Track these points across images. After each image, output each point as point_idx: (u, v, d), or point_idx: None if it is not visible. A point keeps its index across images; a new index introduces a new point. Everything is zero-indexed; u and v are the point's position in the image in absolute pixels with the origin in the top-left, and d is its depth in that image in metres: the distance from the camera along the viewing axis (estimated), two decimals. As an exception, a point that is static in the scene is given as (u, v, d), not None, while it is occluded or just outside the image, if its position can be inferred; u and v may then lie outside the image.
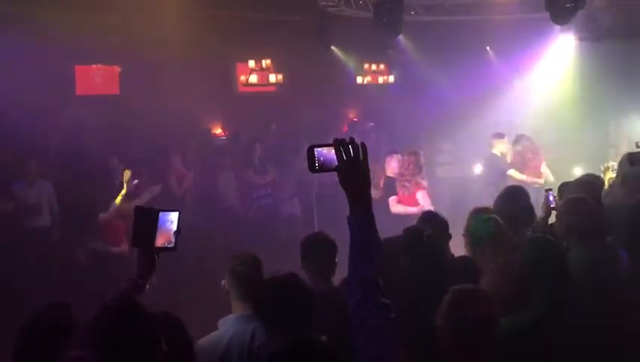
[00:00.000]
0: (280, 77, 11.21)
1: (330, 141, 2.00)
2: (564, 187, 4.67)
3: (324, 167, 1.99)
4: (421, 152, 7.19)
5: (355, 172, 1.96)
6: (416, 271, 3.03)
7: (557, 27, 9.05)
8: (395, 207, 6.89)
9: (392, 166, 7.19)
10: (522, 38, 10.40)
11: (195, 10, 9.17)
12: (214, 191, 8.30)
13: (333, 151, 1.96)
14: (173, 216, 2.30)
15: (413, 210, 6.61)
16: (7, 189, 6.40)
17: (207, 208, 7.81)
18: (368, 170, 1.98)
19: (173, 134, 9.04)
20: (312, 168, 2.01)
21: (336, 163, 1.96)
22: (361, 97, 12.73)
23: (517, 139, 8.09)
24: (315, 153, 1.99)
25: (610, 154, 8.11)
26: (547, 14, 7.55)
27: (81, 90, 9.34)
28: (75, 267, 6.22)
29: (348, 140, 1.97)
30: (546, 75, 11.10)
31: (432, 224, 3.76)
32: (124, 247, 6.17)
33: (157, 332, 2.04)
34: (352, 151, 1.96)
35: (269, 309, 2.71)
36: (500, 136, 8.27)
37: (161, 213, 2.30)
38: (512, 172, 7.82)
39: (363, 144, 1.98)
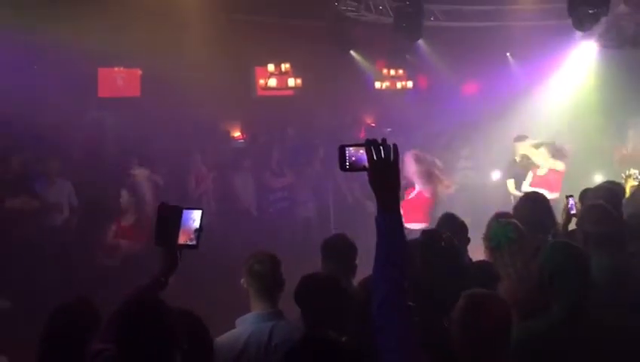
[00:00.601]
0: (299, 81, 11.25)
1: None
2: (585, 193, 4.65)
3: (355, 167, 1.99)
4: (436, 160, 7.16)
5: (384, 173, 1.95)
6: (432, 274, 3.02)
7: (579, 34, 8.98)
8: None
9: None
10: (543, 44, 10.34)
11: (216, 14, 9.25)
12: (231, 193, 8.35)
13: (364, 150, 1.96)
14: (196, 214, 2.31)
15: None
16: (29, 187, 6.49)
17: (224, 209, 7.86)
18: (398, 171, 1.97)
19: (192, 136, 9.12)
20: (342, 167, 2.01)
21: (367, 163, 1.96)
22: (379, 102, 12.72)
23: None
24: (347, 152, 1.99)
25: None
26: (569, 21, 7.49)
27: (103, 92, 9.45)
28: (95, 264, 6.29)
29: (380, 141, 1.96)
30: (566, 81, 11.01)
31: (451, 227, 3.75)
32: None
33: (176, 328, 2.06)
34: (383, 151, 1.95)
35: (313, 309, 2.71)
36: (521, 138, 8.18)
37: (184, 211, 2.30)
38: (509, 183, 7.82)
39: (395, 145, 1.97)
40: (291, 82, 11.23)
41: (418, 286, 2.68)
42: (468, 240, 3.85)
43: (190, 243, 2.29)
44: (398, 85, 13.10)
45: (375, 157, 1.95)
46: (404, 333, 1.93)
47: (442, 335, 2.56)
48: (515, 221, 3.56)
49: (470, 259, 3.68)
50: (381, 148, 1.95)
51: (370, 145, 1.96)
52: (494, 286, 3.06)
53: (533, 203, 4.22)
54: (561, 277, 2.74)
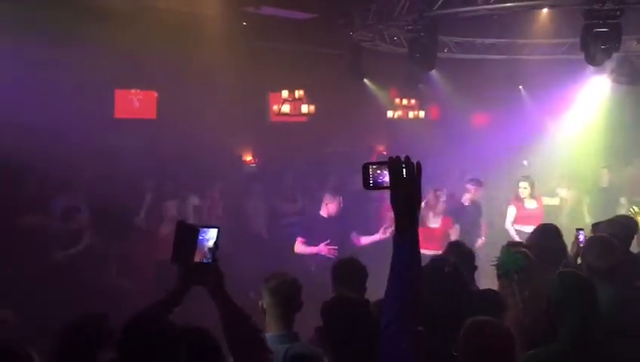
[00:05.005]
0: (312, 108, 11.35)
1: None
2: (596, 227, 4.65)
3: (378, 185, 1.99)
4: (444, 189, 7.33)
5: (406, 192, 1.93)
6: (436, 300, 3.03)
7: (591, 69, 9.05)
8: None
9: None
10: (556, 78, 10.41)
11: (233, 40, 9.43)
12: (243, 217, 8.41)
13: (387, 169, 1.96)
14: (213, 233, 2.33)
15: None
16: (46, 207, 6.57)
17: (235, 232, 7.90)
18: (420, 191, 1.94)
19: (206, 160, 9.21)
20: (366, 185, 2.01)
21: (390, 181, 1.95)
22: (390, 131, 12.82)
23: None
24: (370, 170, 2.00)
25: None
26: (581, 55, 7.56)
27: (119, 113, 9.62)
28: (107, 283, 6.33)
29: (403, 159, 1.95)
30: (578, 115, 11.05)
31: (458, 254, 3.77)
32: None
33: (180, 344, 2.09)
34: (405, 171, 1.94)
35: (339, 332, 2.71)
36: (525, 178, 8.36)
37: (201, 229, 2.33)
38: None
39: (419, 163, 1.94)
40: (305, 109, 11.33)
41: (423, 312, 2.71)
42: (475, 268, 3.86)
43: (206, 261, 2.32)
44: (410, 115, 13.19)
45: (397, 177, 1.94)
46: (410, 356, 1.91)
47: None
48: (526, 250, 3.58)
49: (477, 287, 3.69)
50: (403, 167, 1.94)
51: (393, 163, 1.95)
52: (499, 314, 3.07)
53: (545, 234, 4.24)
54: (568, 307, 2.75)
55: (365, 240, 6.83)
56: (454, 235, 6.96)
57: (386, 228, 6.67)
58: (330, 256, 6.37)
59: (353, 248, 6.65)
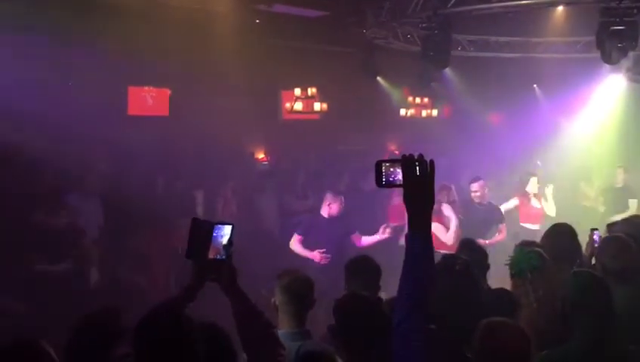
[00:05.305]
0: (324, 106, 11.36)
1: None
2: (612, 226, 4.61)
3: (391, 183, 2.00)
4: (452, 187, 7.20)
5: (419, 190, 1.93)
6: (445, 298, 3.00)
7: (607, 67, 8.97)
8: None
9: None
10: (571, 76, 10.32)
11: (246, 38, 9.44)
12: (255, 214, 8.42)
13: (400, 167, 1.95)
14: (227, 230, 2.33)
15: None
16: (61, 200, 6.61)
17: (247, 229, 7.91)
18: (433, 189, 1.94)
19: (218, 157, 9.24)
20: (379, 183, 2.02)
21: (403, 179, 1.95)
22: (403, 129, 12.78)
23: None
24: (383, 168, 2.01)
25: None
26: (596, 54, 7.50)
27: (132, 110, 9.66)
28: (119, 277, 6.37)
29: (416, 157, 1.95)
30: (594, 115, 10.95)
31: (470, 252, 3.74)
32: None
33: (196, 340, 2.09)
34: (418, 169, 1.93)
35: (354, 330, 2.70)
36: (535, 174, 8.34)
37: (215, 226, 2.34)
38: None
39: (432, 161, 1.94)
40: (317, 106, 11.35)
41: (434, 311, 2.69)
42: (488, 267, 3.83)
43: (219, 258, 2.32)
44: (423, 113, 13.17)
45: (410, 175, 1.93)
46: (422, 354, 1.91)
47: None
48: (540, 250, 3.55)
49: (489, 286, 3.66)
50: (417, 165, 1.94)
51: (406, 161, 1.94)
52: (512, 314, 3.04)
53: (560, 234, 4.20)
54: (583, 307, 2.73)
55: (366, 240, 6.65)
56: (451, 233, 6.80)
57: (385, 228, 6.53)
58: (324, 263, 6.24)
59: (354, 249, 6.43)
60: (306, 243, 6.55)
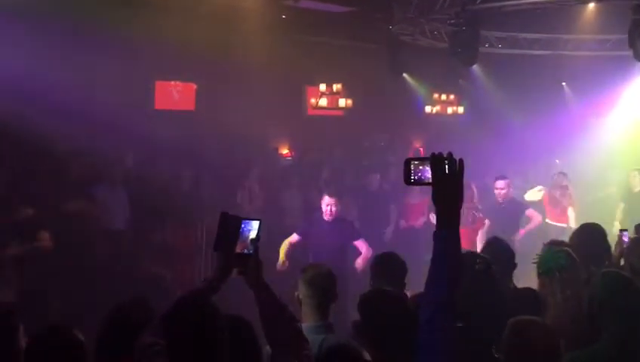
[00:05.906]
0: (349, 102, 11.34)
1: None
2: (639, 228, 4.55)
3: (420, 181, 2.01)
4: (473, 185, 7.10)
5: (448, 189, 1.94)
6: (467, 297, 2.96)
7: (639, 65, 8.79)
8: None
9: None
10: (601, 75, 10.13)
11: (272, 33, 9.47)
12: (279, 209, 8.45)
13: (429, 165, 1.96)
14: (254, 225, 2.37)
15: None
16: (88, 191, 6.72)
17: (271, 224, 7.93)
18: (462, 188, 1.94)
19: (243, 151, 9.29)
20: (407, 180, 2.02)
21: (432, 178, 1.96)
22: (428, 126, 12.70)
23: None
24: (412, 166, 2.01)
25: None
26: (628, 52, 7.36)
27: (159, 104, 9.77)
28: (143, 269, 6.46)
29: (445, 155, 1.95)
30: (625, 114, 10.73)
31: (496, 251, 3.70)
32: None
33: (224, 331, 2.12)
34: (447, 167, 1.93)
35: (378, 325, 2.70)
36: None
37: (243, 221, 2.38)
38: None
39: (461, 160, 1.94)
40: (342, 102, 11.33)
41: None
42: (514, 266, 3.79)
43: (246, 252, 2.36)
44: (449, 110, 13.06)
45: (439, 173, 1.94)
46: (448, 353, 1.91)
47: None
48: (568, 249, 3.50)
49: (514, 286, 3.62)
50: (446, 163, 1.94)
51: (435, 159, 1.95)
52: (538, 313, 2.99)
53: (589, 234, 4.14)
54: (611, 308, 2.68)
55: (359, 264, 6.09)
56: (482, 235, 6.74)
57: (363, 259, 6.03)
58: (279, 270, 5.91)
59: (357, 255, 6.16)
60: (308, 247, 6.28)
